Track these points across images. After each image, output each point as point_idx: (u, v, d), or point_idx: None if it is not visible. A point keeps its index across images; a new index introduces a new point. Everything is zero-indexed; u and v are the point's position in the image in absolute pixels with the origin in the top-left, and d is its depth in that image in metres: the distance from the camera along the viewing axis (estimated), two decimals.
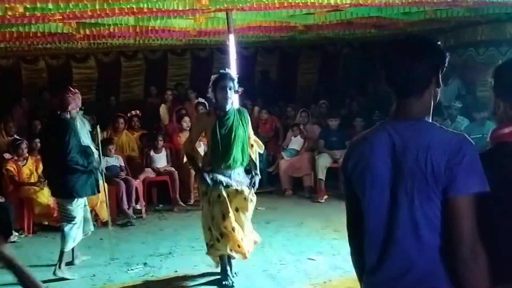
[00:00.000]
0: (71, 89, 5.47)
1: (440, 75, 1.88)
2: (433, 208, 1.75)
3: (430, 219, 1.75)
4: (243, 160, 4.72)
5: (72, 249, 5.46)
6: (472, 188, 1.71)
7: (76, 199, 5.25)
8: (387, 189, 1.82)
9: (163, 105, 9.66)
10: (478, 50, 8.53)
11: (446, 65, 1.90)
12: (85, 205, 5.44)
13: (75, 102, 5.30)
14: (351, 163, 1.93)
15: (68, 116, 5.26)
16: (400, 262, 1.80)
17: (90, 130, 5.58)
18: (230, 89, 4.57)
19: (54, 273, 5.18)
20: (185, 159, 5.16)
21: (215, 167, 4.70)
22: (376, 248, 1.86)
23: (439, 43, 1.91)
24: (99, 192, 5.60)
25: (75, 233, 5.28)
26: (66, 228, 5.25)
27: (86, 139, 5.34)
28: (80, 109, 5.38)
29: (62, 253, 5.27)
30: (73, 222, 5.25)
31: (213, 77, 4.69)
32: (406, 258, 1.79)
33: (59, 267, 5.22)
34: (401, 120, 1.87)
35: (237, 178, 4.73)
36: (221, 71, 4.75)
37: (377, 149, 1.86)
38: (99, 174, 5.51)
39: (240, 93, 4.78)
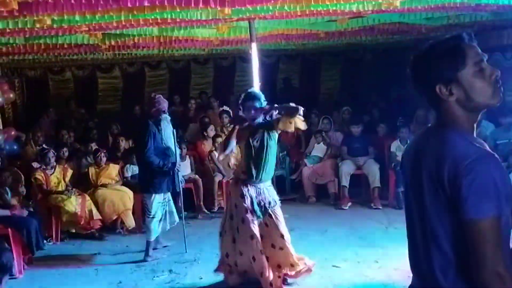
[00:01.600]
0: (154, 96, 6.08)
1: (453, 79, 1.70)
2: (451, 222, 1.67)
3: (449, 233, 1.69)
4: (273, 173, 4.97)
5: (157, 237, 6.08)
6: (487, 211, 1.60)
7: (153, 195, 5.87)
8: (414, 197, 1.81)
9: (191, 125, 9.51)
10: (505, 54, 8.42)
11: (459, 64, 1.70)
12: (168, 200, 6.11)
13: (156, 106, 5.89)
14: (402, 163, 1.98)
15: (153, 119, 5.86)
16: (423, 277, 1.79)
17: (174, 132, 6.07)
18: (255, 109, 4.80)
19: (144, 259, 5.88)
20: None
21: (247, 179, 4.82)
22: (409, 254, 1.88)
23: (446, 43, 1.74)
24: (177, 190, 6.11)
25: (155, 225, 5.93)
26: (147, 222, 5.98)
27: (168, 140, 5.91)
28: (164, 112, 5.93)
29: (147, 243, 5.96)
30: (151, 216, 5.89)
31: (241, 96, 5.01)
32: (431, 271, 1.74)
33: (147, 255, 5.93)
34: (435, 128, 1.80)
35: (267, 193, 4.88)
36: (248, 91, 5.00)
37: (410, 157, 1.86)
38: (176, 174, 5.97)
39: (267, 109, 4.88)
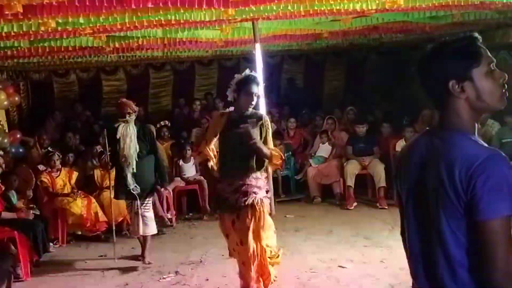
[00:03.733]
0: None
1: (460, 82, 1.71)
2: (460, 226, 1.66)
3: (457, 236, 1.67)
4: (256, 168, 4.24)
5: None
6: (501, 211, 1.60)
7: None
8: (419, 202, 1.78)
9: (195, 130, 9.39)
10: (510, 52, 8.38)
11: (474, 61, 1.72)
12: (138, 207, 5.84)
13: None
14: (398, 171, 1.91)
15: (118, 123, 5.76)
16: (430, 281, 1.76)
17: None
18: (255, 95, 4.24)
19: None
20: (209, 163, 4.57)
21: (223, 175, 4.30)
22: (412, 260, 1.85)
23: (461, 41, 1.75)
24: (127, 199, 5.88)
25: None
26: None
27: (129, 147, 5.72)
28: (123, 116, 5.76)
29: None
30: None
31: (238, 77, 4.27)
32: (435, 277, 1.73)
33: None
34: (440, 130, 1.78)
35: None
36: (248, 73, 4.30)
37: (413, 160, 1.81)
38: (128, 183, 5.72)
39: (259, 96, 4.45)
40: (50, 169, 7.13)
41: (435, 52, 1.78)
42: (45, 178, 7.03)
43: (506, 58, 8.50)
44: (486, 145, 1.71)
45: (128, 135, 5.69)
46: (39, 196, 7.11)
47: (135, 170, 5.69)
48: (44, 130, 8.98)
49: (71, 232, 7.06)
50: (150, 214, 5.90)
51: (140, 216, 5.75)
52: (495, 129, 7.67)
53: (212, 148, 4.48)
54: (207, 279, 5.35)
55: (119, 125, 5.75)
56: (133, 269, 5.77)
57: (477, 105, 1.74)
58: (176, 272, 5.60)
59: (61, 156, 7.28)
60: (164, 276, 5.50)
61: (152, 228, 5.92)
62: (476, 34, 1.77)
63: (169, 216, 7.61)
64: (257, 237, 4.22)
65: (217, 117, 4.54)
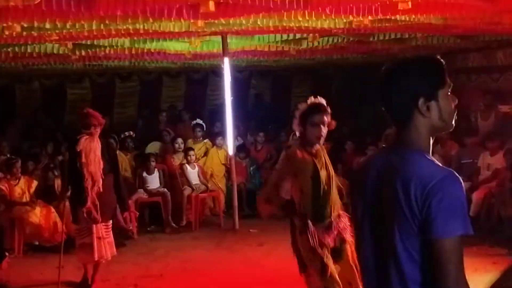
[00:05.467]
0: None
1: (425, 102, 1.73)
2: (413, 243, 1.67)
3: (410, 253, 1.68)
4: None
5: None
6: (453, 231, 1.62)
7: None
8: (373, 217, 1.79)
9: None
10: (469, 76, 8.68)
11: (440, 82, 1.76)
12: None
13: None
14: (354, 187, 1.92)
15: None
16: None
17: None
18: (324, 125, 3.75)
19: None
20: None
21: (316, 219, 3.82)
22: (366, 275, 1.85)
23: (428, 61, 1.79)
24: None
25: None
26: None
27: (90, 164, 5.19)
28: (87, 128, 5.19)
29: None
30: None
31: (302, 107, 3.82)
32: None
33: None
34: (397, 147, 1.79)
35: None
36: (313, 100, 3.83)
37: (368, 177, 1.82)
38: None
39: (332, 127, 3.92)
40: (9, 177, 6.93)
41: (401, 68, 1.81)
42: (3, 185, 6.84)
43: (465, 82, 8.79)
44: (441, 165, 1.74)
45: (92, 149, 5.12)
46: None
47: (101, 190, 5.14)
48: (4, 137, 8.75)
49: (28, 242, 6.85)
50: (111, 239, 5.44)
51: (102, 241, 5.25)
52: (454, 150, 7.87)
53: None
54: None
55: (81, 137, 5.16)
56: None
57: (438, 125, 1.78)
58: (135, 285, 5.49)
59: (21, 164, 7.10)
60: None
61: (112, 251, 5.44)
62: (439, 57, 1.82)
63: (130, 228, 7.49)
64: None
65: (298, 155, 3.81)
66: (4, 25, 4.62)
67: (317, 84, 12.00)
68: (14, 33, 4.83)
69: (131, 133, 9.13)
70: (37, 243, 6.86)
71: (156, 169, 8.10)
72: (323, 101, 3.85)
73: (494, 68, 8.25)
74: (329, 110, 3.84)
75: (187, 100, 11.49)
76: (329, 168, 3.84)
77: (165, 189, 7.97)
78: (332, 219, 3.79)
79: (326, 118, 3.78)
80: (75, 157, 5.15)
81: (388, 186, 1.72)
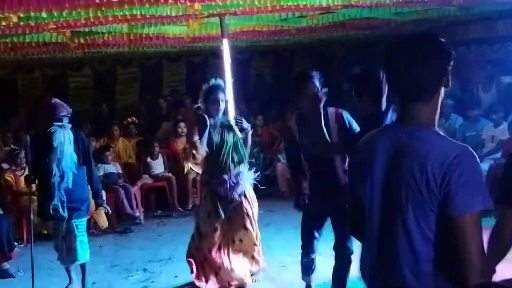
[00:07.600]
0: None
1: (449, 75, 1.75)
2: (428, 222, 1.67)
3: (425, 232, 1.68)
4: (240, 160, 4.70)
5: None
6: (475, 206, 1.62)
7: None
8: (384, 197, 1.77)
9: (164, 124, 9.37)
10: (469, 48, 8.60)
11: (451, 58, 1.77)
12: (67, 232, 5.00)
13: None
14: (355, 166, 1.90)
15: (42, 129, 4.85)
16: (395, 276, 1.75)
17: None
18: (222, 101, 4.64)
19: None
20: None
21: (212, 172, 4.68)
22: (373, 255, 1.82)
23: (443, 40, 1.78)
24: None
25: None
26: None
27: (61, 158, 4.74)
28: (57, 120, 4.76)
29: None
30: None
31: (204, 88, 4.67)
32: (399, 271, 1.73)
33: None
34: (405, 125, 1.76)
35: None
36: (212, 83, 4.67)
37: (377, 155, 1.78)
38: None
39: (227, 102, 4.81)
40: (14, 167, 6.97)
41: (425, 47, 1.76)
42: (8, 176, 6.88)
43: (465, 54, 8.72)
44: (454, 140, 1.74)
45: (65, 143, 4.69)
46: (2, 195, 6.95)
47: (70, 186, 4.72)
48: (8, 127, 8.77)
49: (37, 231, 6.91)
50: (86, 237, 5.03)
51: (76, 240, 4.88)
52: (458, 123, 7.84)
53: None
54: (176, 276, 5.33)
55: (55, 131, 4.68)
56: (101, 267, 5.69)
57: (442, 101, 1.79)
58: (145, 270, 5.56)
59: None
60: (132, 274, 5.46)
61: (87, 255, 5.04)
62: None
63: (137, 214, 7.54)
64: None
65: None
66: (1, 16, 4.60)
67: (319, 62, 11.93)
68: (11, 23, 4.81)
69: (134, 119, 9.14)
70: (45, 232, 6.92)
71: (160, 154, 8.13)
72: (221, 82, 4.75)
73: (494, 39, 8.17)
74: (225, 88, 4.77)
75: (188, 84, 11.46)
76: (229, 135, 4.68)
77: (170, 174, 8.00)
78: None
79: (224, 95, 4.68)
80: (44, 151, 4.71)
81: (401, 165, 1.70)
